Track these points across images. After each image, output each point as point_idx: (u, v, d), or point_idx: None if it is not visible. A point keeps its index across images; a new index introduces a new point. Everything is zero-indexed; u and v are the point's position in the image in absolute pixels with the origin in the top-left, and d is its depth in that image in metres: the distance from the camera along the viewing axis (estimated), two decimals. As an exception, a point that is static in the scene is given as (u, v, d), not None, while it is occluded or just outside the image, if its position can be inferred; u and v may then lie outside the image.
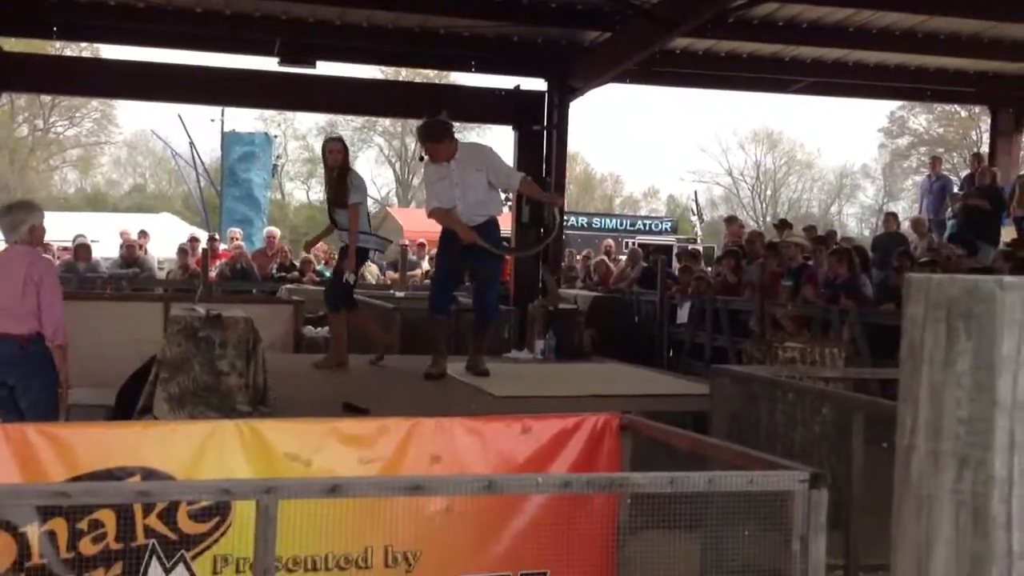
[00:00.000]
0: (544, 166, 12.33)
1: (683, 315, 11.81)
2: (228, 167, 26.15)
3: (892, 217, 14.51)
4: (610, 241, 18.96)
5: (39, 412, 5.56)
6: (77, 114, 44.06)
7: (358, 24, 11.50)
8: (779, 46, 12.17)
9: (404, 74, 28.82)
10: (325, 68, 12.27)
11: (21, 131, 43.92)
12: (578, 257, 17.79)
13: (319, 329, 10.67)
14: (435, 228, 7.65)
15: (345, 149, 8.04)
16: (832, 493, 2.66)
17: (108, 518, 2.94)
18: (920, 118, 42.83)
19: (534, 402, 6.44)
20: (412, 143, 37.39)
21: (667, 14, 10.02)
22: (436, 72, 22.75)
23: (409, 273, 15.39)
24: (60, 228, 19.49)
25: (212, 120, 30.08)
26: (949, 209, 13.50)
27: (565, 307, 10.24)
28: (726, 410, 4.95)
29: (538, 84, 12.57)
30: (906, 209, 33.98)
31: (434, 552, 3.18)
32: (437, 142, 7.24)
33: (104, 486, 2.83)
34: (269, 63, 12.04)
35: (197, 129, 32.85)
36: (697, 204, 26.82)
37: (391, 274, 16.40)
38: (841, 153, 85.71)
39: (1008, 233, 12.59)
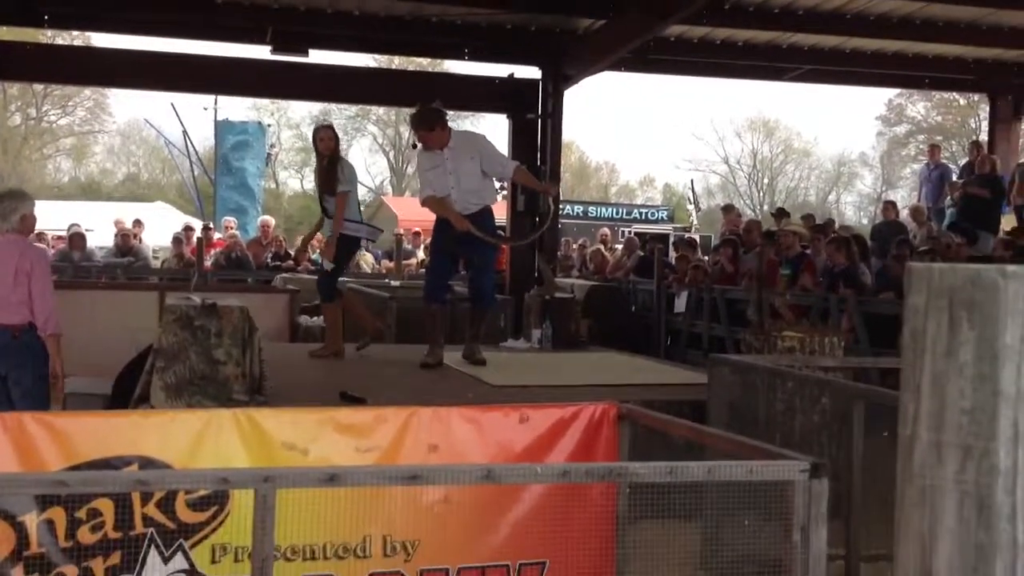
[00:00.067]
0: (539, 155, 12.32)
1: (680, 304, 11.80)
2: (222, 156, 26.12)
3: (891, 205, 14.51)
4: (606, 230, 18.96)
5: (31, 402, 5.55)
6: (70, 103, 43.93)
7: (350, 12, 11.47)
8: (776, 33, 12.15)
9: (397, 62, 28.78)
10: (318, 56, 12.25)
11: (14, 120, 43.80)
12: (574, 246, 17.78)
13: (315, 318, 10.67)
14: (430, 217, 7.64)
15: (336, 137, 8.02)
16: (832, 483, 2.66)
17: (106, 507, 2.93)
18: (918, 106, 42.84)
19: (531, 391, 6.44)
20: (406, 132, 37.28)
21: (662, 1, 9.99)
22: (429, 60, 22.71)
23: (404, 262, 15.37)
24: (54, 217, 19.48)
25: (205, 109, 30.06)
26: (948, 197, 13.50)
27: (561, 296, 10.23)
28: (724, 399, 4.95)
29: (532, 72, 12.54)
30: (904, 197, 34.02)
31: (432, 541, 3.18)
32: (430, 130, 7.22)
33: (102, 475, 2.83)
34: (262, 51, 12.01)
35: (190, 118, 32.83)
36: (694, 193, 26.81)
37: (386, 263, 16.37)
38: (839, 141, 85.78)
39: (1008, 221, 12.59)
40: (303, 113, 43.75)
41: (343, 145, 46.72)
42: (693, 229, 21.91)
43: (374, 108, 41.36)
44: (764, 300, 9.36)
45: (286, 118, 44.02)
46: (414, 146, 7.84)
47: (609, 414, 3.54)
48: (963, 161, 16.25)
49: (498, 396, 6.10)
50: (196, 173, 29.65)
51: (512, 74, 12.50)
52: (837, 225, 14.01)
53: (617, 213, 26.35)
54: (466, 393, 6.34)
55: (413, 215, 18.54)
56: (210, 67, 12.20)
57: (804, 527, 2.60)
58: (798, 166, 50.75)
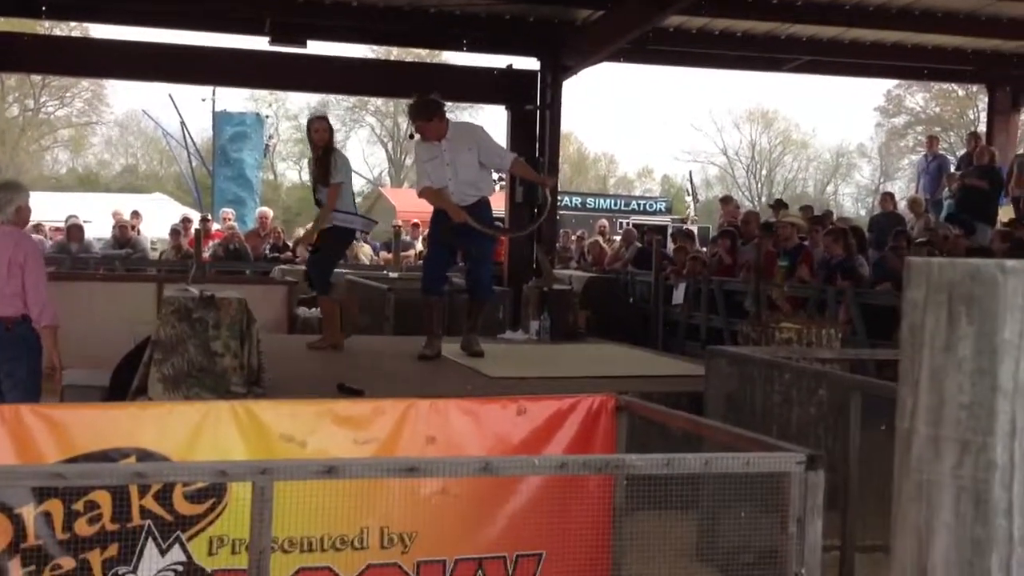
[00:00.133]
0: (537, 146, 12.30)
1: (678, 296, 11.80)
2: (220, 147, 26.08)
3: (889, 197, 14.50)
4: (604, 221, 18.95)
5: (22, 394, 5.52)
6: (68, 94, 43.83)
7: (348, 3, 11.44)
8: (774, 24, 12.12)
9: (395, 53, 28.72)
10: (316, 47, 12.23)
11: (12, 111, 43.69)
12: (573, 238, 17.78)
13: (313, 309, 10.66)
14: (428, 208, 7.63)
15: (330, 128, 8.00)
16: (828, 474, 2.66)
17: (104, 499, 2.93)
18: (917, 97, 42.77)
19: (529, 383, 6.45)
20: (404, 123, 37.26)
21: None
22: (428, 51, 22.66)
23: (403, 253, 15.36)
24: (52, 208, 19.46)
25: (203, 100, 29.95)
26: (946, 189, 13.49)
27: (560, 288, 10.24)
28: (722, 391, 4.96)
29: (531, 63, 12.51)
30: (903, 189, 34.03)
31: (430, 533, 3.18)
32: (428, 120, 7.21)
33: (100, 467, 2.83)
34: (260, 42, 11.99)
35: (188, 109, 32.79)
36: (692, 184, 26.78)
37: (385, 254, 16.37)
38: (837, 132, 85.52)
39: (1006, 213, 12.58)
40: (301, 104, 43.66)
41: (341, 136, 46.80)
42: (690, 221, 21.89)
43: (372, 99, 41.29)
44: (762, 292, 9.37)
45: (284, 109, 43.95)
46: (411, 136, 7.83)
47: (607, 406, 3.54)
48: (961, 152, 16.24)
49: (496, 388, 6.11)
50: (194, 164, 29.61)
51: (511, 65, 12.48)
52: (835, 217, 14.00)
53: (615, 204, 26.33)
54: (464, 385, 6.34)
55: (411, 206, 18.52)
56: (208, 58, 12.16)
57: (800, 518, 2.61)
58: (796, 157, 50.72)
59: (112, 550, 2.92)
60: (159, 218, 19.19)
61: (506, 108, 12.61)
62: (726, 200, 15.99)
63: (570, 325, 9.73)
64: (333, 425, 3.28)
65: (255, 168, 26.35)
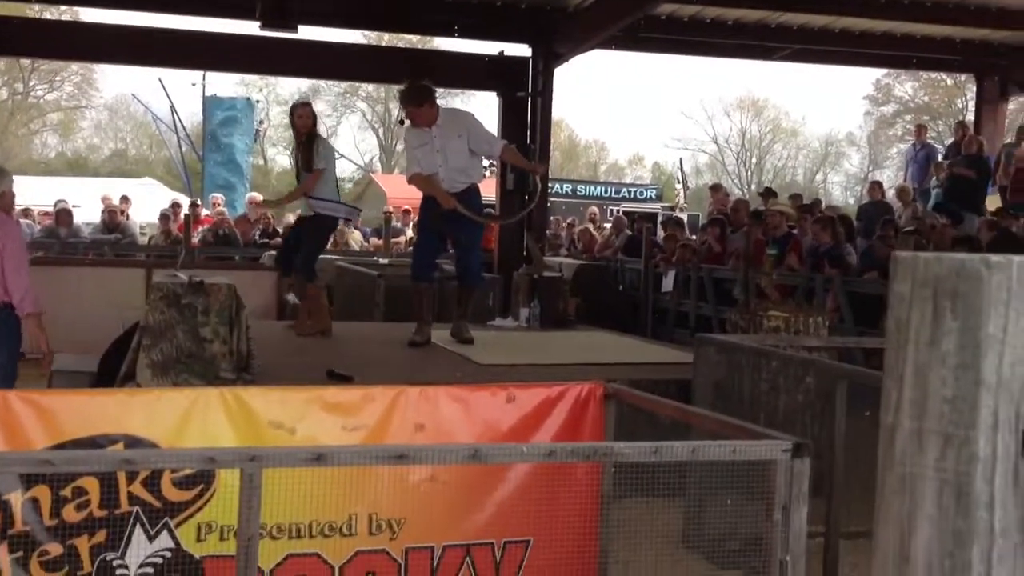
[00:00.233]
0: (528, 133, 12.28)
1: (668, 283, 11.83)
2: (210, 132, 25.99)
3: (877, 186, 14.54)
4: (595, 209, 18.96)
5: (1, 379, 5.48)
6: (57, 78, 43.61)
7: (340, -13, 11.40)
8: (765, 12, 12.12)
9: (387, 39, 28.62)
10: (307, 32, 12.16)
11: (0, 95, 43.44)
12: (563, 225, 17.78)
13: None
14: (419, 194, 7.62)
15: (313, 115, 7.98)
16: (814, 461, 2.68)
17: (92, 485, 2.93)
18: (906, 86, 42.87)
19: (519, 370, 6.47)
20: (395, 108, 37.15)
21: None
22: (419, 37, 22.59)
23: (393, 240, 15.35)
24: (41, 193, 19.39)
25: (193, 84, 29.89)
26: (934, 178, 13.53)
27: (550, 275, 10.24)
28: (710, 378, 4.98)
29: (522, 50, 12.48)
30: (891, 177, 34.10)
31: (418, 520, 3.19)
32: (418, 106, 7.19)
33: (88, 454, 2.83)
34: (251, 27, 11.91)
35: (178, 93, 32.56)
36: (682, 172, 26.77)
37: (375, 241, 16.35)
38: (826, 121, 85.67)
39: (993, 202, 12.63)
40: (292, 89, 43.50)
41: (332, 122, 46.75)
42: (678, 208, 21.90)
43: (363, 85, 41.17)
44: (751, 280, 9.39)
45: (275, 94, 43.78)
46: (401, 122, 7.82)
47: (595, 393, 3.55)
48: (949, 141, 16.28)
49: (486, 375, 6.12)
50: (184, 149, 29.50)
51: (502, 52, 12.45)
52: (824, 205, 14.04)
53: (606, 192, 26.35)
54: (454, 372, 6.35)
55: (402, 193, 18.49)
56: (198, 42, 12.09)
57: (785, 506, 2.63)
58: (786, 145, 50.81)
59: (100, 536, 2.93)
60: (148, 203, 19.13)
61: (497, 95, 12.58)
62: (716, 188, 16.01)
63: (560, 312, 9.74)
64: (322, 412, 3.29)
65: (245, 153, 26.27)
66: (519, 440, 3.35)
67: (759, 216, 11.37)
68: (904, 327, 0.91)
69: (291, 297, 10.98)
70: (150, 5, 11.94)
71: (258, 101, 31.07)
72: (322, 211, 7.80)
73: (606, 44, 12.49)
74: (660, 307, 11.72)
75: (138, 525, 2.96)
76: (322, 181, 7.79)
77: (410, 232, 15.77)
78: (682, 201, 23.91)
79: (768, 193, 14.21)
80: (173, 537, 3.00)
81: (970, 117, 18.16)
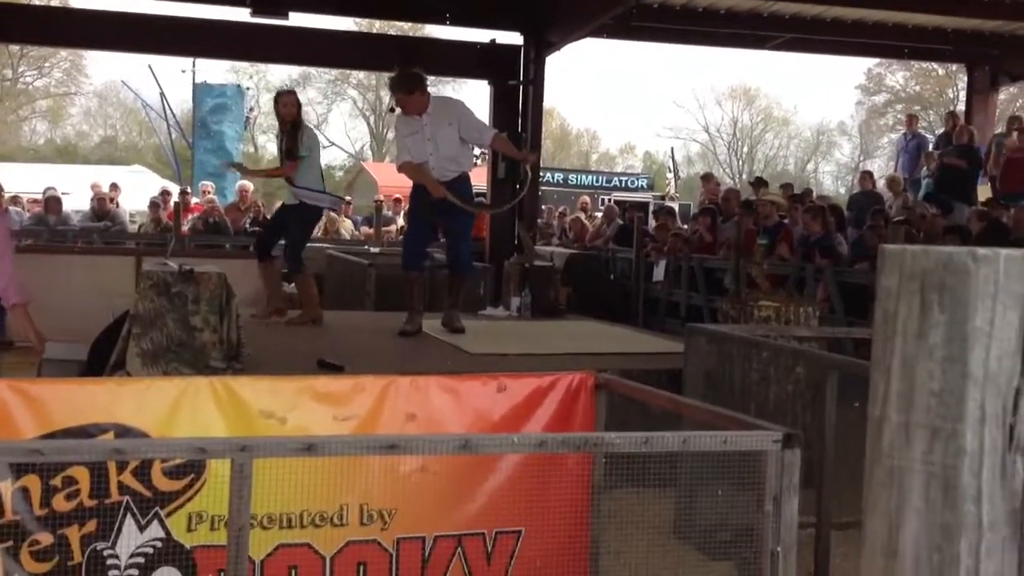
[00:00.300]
0: (520, 121, 12.28)
1: (659, 273, 11.84)
2: (200, 119, 25.90)
3: (868, 175, 14.55)
4: (586, 198, 18.94)
5: None
6: (46, 64, 43.39)
7: (332, -25, 11.35)
8: (757, 1, 12.13)
9: (378, 26, 28.53)
10: (298, 19, 12.13)
11: (-11, 81, 43.24)
12: (555, 214, 17.78)
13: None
14: (410, 183, 7.61)
15: (298, 103, 7.95)
16: (804, 451, 2.69)
17: (82, 475, 2.93)
18: (897, 75, 42.91)
19: (510, 360, 6.47)
20: (386, 96, 37.04)
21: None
22: (410, 25, 22.52)
23: (384, 229, 15.33)
24: (30, 180, 19.31)
25: (183, 71, 29.75)
26: (924, 168, 13.56)
27: (541, 264, 10.25)
28: (701, 368, 4.99)
29: (514, 38, 12.46)
30: (882, 167, 34.18)
31: (409, 510, 3.19)
32: (409, 94, 7.17)
33: (78, 444, 2.82)
34: (241, 14, 11.87)
35: (168, 80, 32.49)
36: (674, 161, 26.80)
37: (366, 230, 16.33)
38: (818, 110, 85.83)
39: (984, 192, 12.66)
40: (283, 76, 43.31)
41: (323, 109, 46.62)
42: (668, 198, 21.92)
43: (354, 72, 41.06)
44: (741, 269, 9.41)
45: (265, 81, 43.56)
46: (392, 110, 7.80)
47: (586, 383, 3.55)
48: (940, 131, 16.31)
49: (477, 364, 6.13)
50: (174, 136, 29.40)
51: (494, 40, 12.43)
52: (815, 195, 14.07)
53: (597, 181, 26.35)
54: (445, 361, 6.36)
55: (393, 181, 18.44)
56: (188, 29, 12.04)
57: (776, 496, 2.63)
58: (777, 135, 50.85)
59: (90, 526, 2.92)
60: (138, 191, 19.05)
61: (489, 83, 12.57)
62: (707, 177, 16.02)
63: (551, 302, 9.75)
64: (313, 402, 3.28)
65: (235, 141, 26.18)
66: (510, 430, 3.35)
67: (750, 206, 11.38)
68: (892, 320, 0.92)
69: (284, 286, 10.98)
70: (140, -9, 11.89)
71: (248, 88, 30.97)
72: (307, 200, 7.77)
73: (598, 32, 12.47)
74: (651, 297, 11.73)
75: (128, 515, 2.96)
76: (306, 170, 7.76)
77: (401, 221, 15.74)
78: (673, 190, 23.95)
79: (759, 183, 14.22)
80: (164, 527, 2.99)
81: (961, 107, 18.19)
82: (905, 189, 13.02)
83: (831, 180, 49.23)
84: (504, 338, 7.66)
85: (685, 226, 13.24)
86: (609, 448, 2.73)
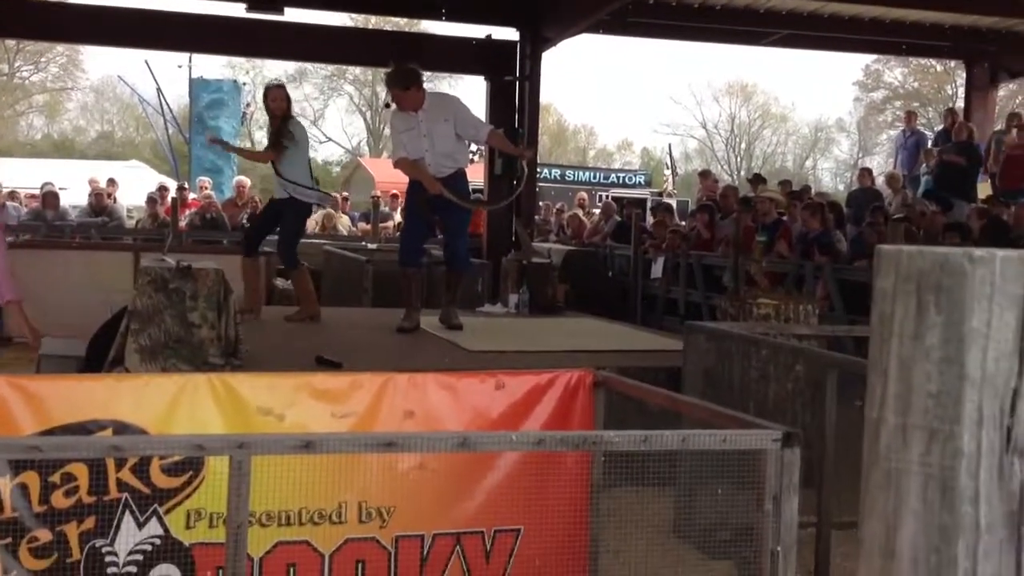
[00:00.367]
0: (516, 117, 12.27)
1: (657, 270, 11.84)
2: (196, 114, 25.87)
3: (867, 172, 14.57)
4: (583, 194, 18.94)
5: None
6: (43, 59, 43.30)
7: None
8: (754, -2, 12.12)
9: (374, 22, 28.51)
10: (294, 15, 12.11)
11: (-14, 76, 43.17)
12: (552, 210, 17.77)
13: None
14: (407, 179, 7.60)
15: (287, 97, 7.92)
16: (804, 450, 2.69)
17: (80, 472, 2.93)
18: (895, 72, 42.89)
19: (508, 357, 6.47)
20: (383, 92, 37.00)
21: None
22: (406, 20, 22.49)
23: (381, 225, 15.32)
24: (27, 175, 19.29)
25: (180, 66, 29.65)
26: (924, 165, 13.56)
27: (538, 261, 10.25)
28: (699, 366, 4.99)
29: (510, 34, 12.45)
30: (881, 164, 34.19)
31: (408, 508, 3.19)
32: (405, 89, 7.15)
33: (76, 440, 2.83)
34: (237, 9, 11.86)
35: (165, 75, 32.40)
36: (671, 157, 26.76)
37: (363, 226, 16.31)
38: (816, 107, 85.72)
39: (983, 189, 12.66)
40: (279, 72, 43.18)
41: (320, 105, 46.53)
42: (666, 194, 21.91)
43: (351, 68, 41.02)
44: (740, 267, 9.41)
45: (262, 76, 43.35)
46: (387, 105, 7.78)
47: (585, 381, 3.55)
48: (939, 127, 16.31)
49: (474, 362, 6.13)
50: (171, 131, 29.34)
51: (490, 35, 12.41)
52: (813, 192, 14.06)
53: (595, 177, 26.33)
54: (443, 358, 6.36)
55: (390, 177, 18.40)
56: (185, 24, 12.04)
57: (776, 496, 2.63)
58: (775, 131, 50.82)
59: (89, 523, 2.93)
60: (135, 186, 19.03)
61: (485, 79, 12.55)
62: (705, 174, 16.02)
63: (549, 299, 9.75)
64: (311, 399, 3.28)
65: (232, 136, 26.11)
66: (508, 427, 3.35)
67: (748, 203, 11.38)
68: (888, 321, 0.92)
69: (280, 282, 10.98)
70: (137, -13, 11.87)
71: (245, 83, 30.86)
72: (295, 195, 7.74)
73: (594, 28, 12.47)
74: (649, 294, 11.73)
75: (127, 512, 2.96)
76: (295, 163, 7.72)
77: (398, 217, 15.72)
78: (671, 187, 23.92)
79: (757, 179, 14.22)
80: (162, 524, 3.00)
81: (960, 104, 18.19)
82: (904, 186, 13.03)
83: (830, 177, 49.26)
84: (502, 335, 7.66)
85: (683, 223, 13.23)
86: (608, 446, 2.74)
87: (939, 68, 38.56)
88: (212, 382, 3.21)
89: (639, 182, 26.04)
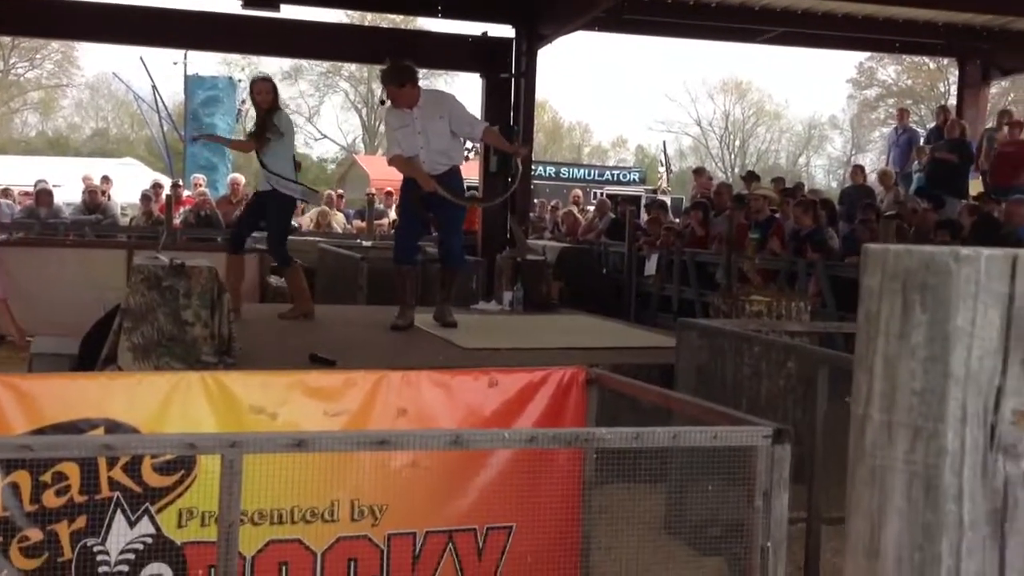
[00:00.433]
0: (512, 114, 12.27)
1: (651, 267, 11.85)
2: (191, 111, 25.85)
3: (859, 170, 14.58)
4: (578, 191, 18.95)
5: None
6: (38, 56, 43.21)
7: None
8: (748, -5, 12.13)
9: (370, 19, 28.50)
10: (289, 11, 12.10)
11: (-20, 73, 43.06)
12: (547, 207, 17.77)
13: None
14: (402, 176, 7.59)
15: (273, 89, 7.87)
16: (795, 447, 2.70)
17: (72, 471, 2.93)
18: (889, 69, 42.94)
19: (502, 354, 6.47)
20: (378, 89, 36.96)
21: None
22: (402, 17, 22.47)
23: (376, 222, 15.30)
24: (21, 172, 19.25)
25: (175, 63, 29.62)
26: (916, 162, 13.58)
27: (533, 258, 10.25)
28: (692, 363, 5.00)
29: (506, 31, 12.46)
30: (874, 161, 34.21)
31: (400, 506, 3.20)
32: (400, 86, 7.15)
33: (68, 440, 2.82)
34: (232, 5, 11.85)
35: (160, 72, 32.39)
36: (666, 155, 26.79)
37: (358, 223, 16.30)
38: (810, 104, 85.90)
39: (975, 187, 12.69)
40: (274, 69, 43.09)
41: (315, 101, 46.44)
42: (660, 191, 21.92)
43: (346, 65, 40.95)
44: (733, 264, 9.42)
45: (257, 73, 43.41)
46: (382, 102, 7.77)
47: (578, 378, 3.56)
48: (931, 125, 16.34)
49: (469, 359, 6.13)
50: (166, 129, 29.28)
51: (486, 32, 12.41)
52: (807, 189, 14.08)
53: (589, 174, 26.31)
54: (437, 355, 6.36)
55: (385, 174, 18.34)
56: (180, 21, 12.02)
57: (767, 492, 2.64)
58: (769, 129, 50.86)
59: (80, 522, 2.92)
60: (130, 183, 19.00)
61: (481, 76, 12.55)
62: (699, 171, 16.04)
63: (543, 296, 9.75)
64: (304, 397, 3.28)
65: (227, 133, 26.06)
66: (501, 425, 3.36)
67: (742, 200, 11.39)
68: (874, 319, 0.92)
69: (274, 280, 10.97)
70: (131, -17, 11.84)
71: (240, 80, 30.77)
72: (279, 188, 7.70)
73: (589, 25, 12.46)
74: (643, 291, 11.75)
75: (119, 511, 2.96)
76: (278, 156, 7.68)
77: (393, 214, 15.72)
78: (665, 184, 23.94)
79: (751, 177, 14.23)
80: (154, 523, 3.00)
81: (952, 101, 18.23)
82: (896, 183, 13.05)
83: (823, 174, 49.32)
84: (496, 332, 7.66)
85: (677, 220, 13.25)
86: (600, 443, 2.74)
87: (932, 66, 38.60)
88: (205, 380, 3.21)
89: (634, 179, 26.03)
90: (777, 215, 10.82)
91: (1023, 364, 0.89)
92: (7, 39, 37.13)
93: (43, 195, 14.08)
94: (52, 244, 11.67)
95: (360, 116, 47.28)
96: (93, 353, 6.07)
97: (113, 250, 11.22)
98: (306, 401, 3.28)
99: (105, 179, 16.09)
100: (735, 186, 14.16)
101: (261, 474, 2.73)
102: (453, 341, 6.96)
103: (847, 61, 49.24)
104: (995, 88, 21.07)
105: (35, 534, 2.89)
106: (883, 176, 13.39)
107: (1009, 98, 32.51)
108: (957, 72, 16.24)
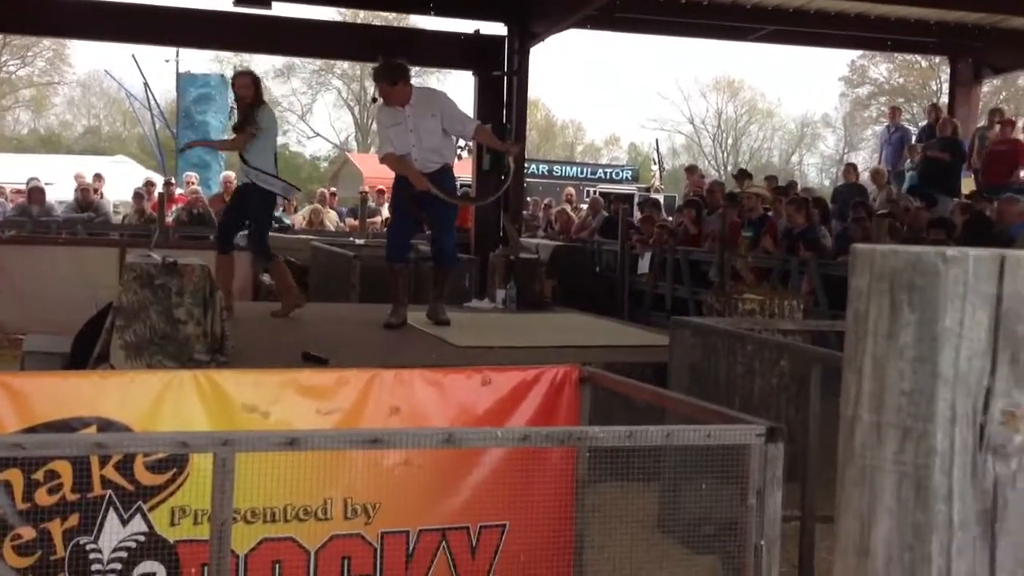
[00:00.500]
0: (504, 112, 12.27)
1: (644, 265, 11.86)
2: (184, 109, 25.78)
3: (852, 168, 14.62)
4: (571, 189, 18.95)
5: None
6: (29, 53, 43.07)
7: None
8: (741, -7, 12.14)
9: (362, 16, 28.46)
10: (281, 9, 12.08)
11: (-29, 70, 42.90)
12: (540, 206, 17.77)
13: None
14: (395, 174, 7.58)
15: (255, 83, 7.85)
16: (788, 445, 2.70)
17: (64, 469, 2.92)
18: (881, 67, 43.02)
19: (495, 352, 6.48)
20: (371, 87, 36.91)
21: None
22: (394, 15, 22.45)
23: (369, 220, 15.30)
24: (13, 170, 19.20)
25: (167, 61, 29.61)
26: (908, 160, 13.61)
27: (526, 256, 10.24)
28: (686, 361, 5.01)
29: (498, 29, 12.45)
30: (866, 159, 34.29)
31: (393, 504, 3.20)
32: (392, 84, 7.14)
33: (60, 438, 2.82)
34: (224, 3, 11.83)
35: (152, 70, 32.31)
36: (659, 153, 26.81)
37: (350, 221, 16.29)
38: (802, 102, 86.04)
39: (968, 185, 12.72)
40: (267, 66, 43.10)
41: (308, 99, 46.36)
42: (653, 190, 21.93)
43: (338, 62, 40.89)
44: (726, 262, 9.43)
45: (239, 67, 43.33)
46: (374, 100, 7.75)
47: (571, 377, 3.57)
48: (923, 123, 16.37)
49: (462, 357, 6.13)
50: (158, 126, 29.23)
51: (478, 30, 12.40)
52: (799, 187, 14.10)
53: (582, 172, 26.34)
54: (430, 354, 6.36)
55: (378, 172, 18.35)
56: (172, 18, 11.99)
57: (760, 490, 2.65)
58: (762, 127, 50.94)
59: (73, 520, 2.92)
60: (122, 181, 18.97)
61: (473, 74, 12.55)
62: (691, 170, 16.04)
63: (536, 294, 9.76)
64: (296, 395, 3.28)
65: (220, 131, 25.98)
66: (494, 423, 3.36)
67: (734, 198, 11.41)
68: (863, 320, 0.92)
69: (266, 278, 10.95)
70: (123, -19, 11.82)
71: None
72: (259, 183, 7.67)
73: (582, 24, 12.46)
74: (636, 289, 11.75)
75: (111, 509, 2.96)
76: (261, 150, 7.66)
77: (386, 212, 15.70)
78: (658, 182, 23.96)
79: (743, 175, 14.22)
80: (146, 521, 2.99)
81: (944, 100, 18.26)
82: (889, 182, 13.07)
83: (815, 172, 49.41)
84: (489, 331, 7.66)
85: (670, 218, 13.26)
86: (593, 442, 2.75)
87: (924, 64, 38.66)
88: (197, 379, 3.21)
89: (626, 177, 26.06)
90: (770, 213, 10.83)
91: (1012, 365, 0.89)
92: (-1, 36, 37.02)
93: (35, 193, 14.06)
94: (44, 242, 11.66)
95: (353, 114, 47.23)
96: (85, 351, 6.06)
97: (105, 248, 11.20)
98: (299, 399, 3.28)
99: (97, 177, 16.06)
100: (728, 184, 14.18)
101: (254, 472, 2.73)
102: (446, 339, 6.96)
103: (839, 59, 49.42)
104: (987, 86, 21.15)
105: (27, 532, 2.88)
106: (875, 174, 13.42)
107: (1001, 96, 32.61)
108: (949, 70, 16.27)
